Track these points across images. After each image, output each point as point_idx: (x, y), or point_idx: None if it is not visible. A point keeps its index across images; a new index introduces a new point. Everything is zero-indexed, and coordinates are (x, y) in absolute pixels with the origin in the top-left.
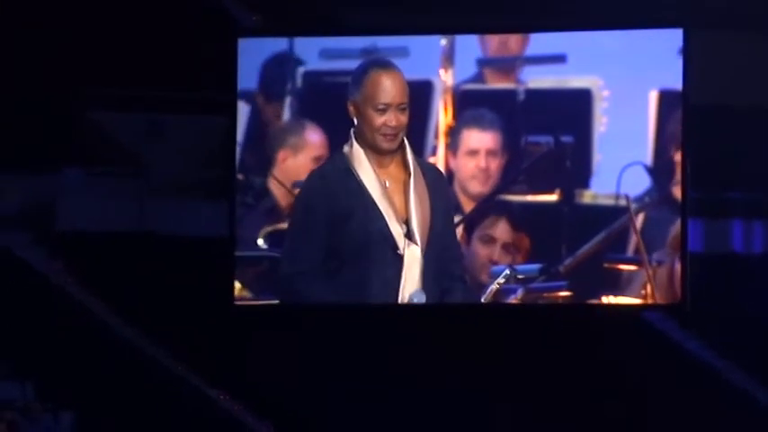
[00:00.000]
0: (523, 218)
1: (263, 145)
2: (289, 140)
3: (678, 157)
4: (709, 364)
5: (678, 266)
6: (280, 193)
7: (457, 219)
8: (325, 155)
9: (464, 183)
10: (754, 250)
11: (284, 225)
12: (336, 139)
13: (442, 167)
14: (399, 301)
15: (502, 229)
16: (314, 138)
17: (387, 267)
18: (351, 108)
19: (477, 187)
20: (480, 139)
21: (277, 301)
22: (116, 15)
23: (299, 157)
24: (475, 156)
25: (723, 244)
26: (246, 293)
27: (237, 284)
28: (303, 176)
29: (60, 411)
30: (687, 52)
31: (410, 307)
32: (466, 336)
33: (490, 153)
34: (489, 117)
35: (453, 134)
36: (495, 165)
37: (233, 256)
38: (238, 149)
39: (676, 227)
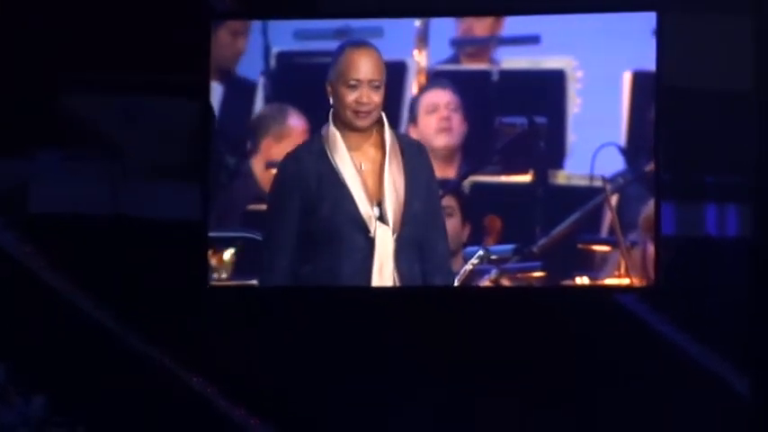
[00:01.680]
0: (494, 199)
1: (240, 128)
2: (271, 129)
3: (652, 138)
4: (683, 348)
5: (651, 248)
6: (265, 177)
7: None
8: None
9: (430, 140)
10: (727, 234)
11: (263, 206)
12: (313, 122)
13: None
14: (373, 284)
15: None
16: (296, 124)
17: (357, 251)
18: (328, 89)
19: (443, 140)
20: (437, 95)
21: (254, 282)
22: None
23: (283, 146)
24: (435, 111)
25: (697, 227)
26: (225, 273)
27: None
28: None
29: (33, 395)
30: (660, 35)
31: (383, 290)
32: (437, 319)
33: (450, 107)
34: (444, 80)
35: (412, 106)
36: (457, 118)
37: (207, 238)
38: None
39: (649, 207)
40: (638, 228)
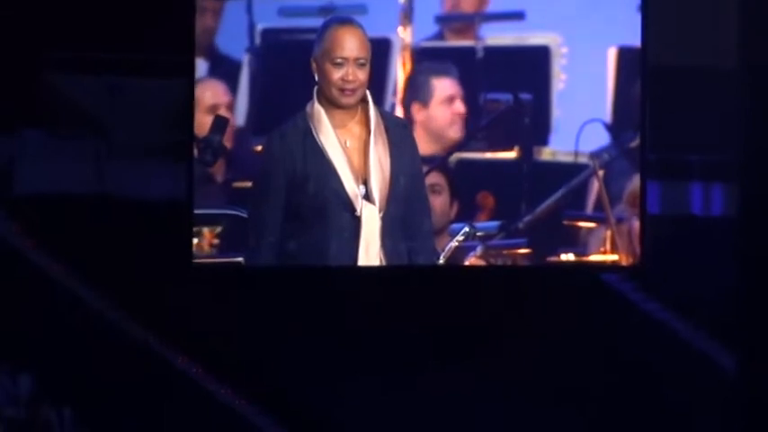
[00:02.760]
0: (480, 176)
1: None
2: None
3: (637, 114)
4: (668, 326)
5: (636, 224)
6: None
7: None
8: (223, 102)
9: (441, 131)
10: (712, 213)
11: (248, 184)
12: (297, 99)
13: None
14: (359, 262)
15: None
16: (210, 90)
17: (344, 230)
18: (313, 65)
19: (456, 133)
20: (453, 87)
21: (239, 259)
22: None
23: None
24: (451, 103)
25: (682, 206)
26: (207, 250)
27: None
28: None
29: (19, 374)
30: (646, 12)
31: (369, 269)
32: (424, 297)
33: (463, 100)
34: (453, 68)
35: (419, 85)
36: (466, 112)
37: (191, 217)
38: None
39: (633, 183)
40: (623, 203)
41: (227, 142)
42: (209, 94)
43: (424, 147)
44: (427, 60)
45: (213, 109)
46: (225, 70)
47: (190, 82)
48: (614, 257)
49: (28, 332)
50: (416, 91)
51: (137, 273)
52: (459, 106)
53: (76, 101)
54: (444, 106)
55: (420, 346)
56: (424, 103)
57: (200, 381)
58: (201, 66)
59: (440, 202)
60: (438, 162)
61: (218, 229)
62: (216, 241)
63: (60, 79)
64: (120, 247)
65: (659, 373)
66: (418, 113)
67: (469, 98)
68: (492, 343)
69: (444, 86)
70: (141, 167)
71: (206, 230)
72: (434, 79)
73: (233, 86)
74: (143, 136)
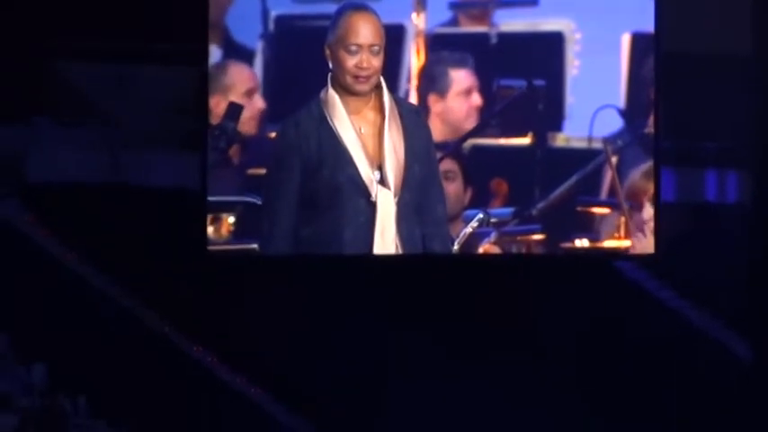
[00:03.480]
0: (494, 162)
1: None
2: (215, 86)
3: (651, 100)
4: (682, 313)
5: (642, 214)
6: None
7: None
8: (255, 86)
9: (458, 123)
10: (727, 200)
11: (262, 171)
12: (311, 85)
13: None
14: (375, 248)
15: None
16: (239, 74)
17: (359, 214)
18: (327, 52)
19: (472, 124)
20: (470, 79)
21: (254, 246)
22: None
23: (231, 97)
24: (468, 95)
25: (696, 193)
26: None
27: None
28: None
29: (34, 363)
30: (659, 2)
31: (385, 257)
32: (439, 285)
33: (479, 92)
34: (470, 58)
35: (437, 76)
36: (482, 103)
37: (205, 204)
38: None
39: (632, 177)
40: (624, 194)
41: (246, 128)
42: (244, 77)
43: (439, 136)
44: (443, 49)
45: (250, 93)
46: (238, 57)
47: (203, 70)
48: (628, 243)
49: (41, 322)
50: (433, 81)
51: (151, 260)
52: (477, 98)
53: (90, 90)
54: (461, 98)
55: (434, 332)
56: (442, 94)
57: (214, 369)
58: (215, 53)
59: (453, 189)
60: (451, 148)
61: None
62: (232, 228)
63: (73, 69)
64: (134, 235)
65: (673, 361)
66: (435, 104)
67: (484, 85)
68: (507, 330)
69: (461, 78)
70: (155, 155)
71: (224, 216)
72: (452, 71)
73: None
74: (156, 124)
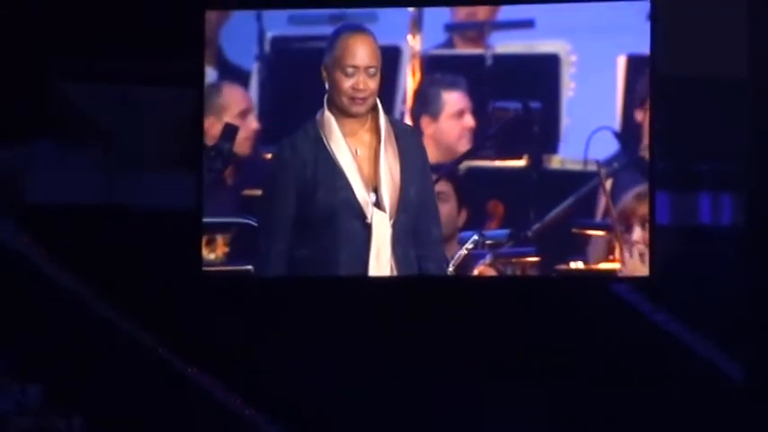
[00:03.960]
0: (489, 184)
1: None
2: (209, 107)
3: (646, 122)
4: (677, 336)
5: (634, 237)
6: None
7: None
8: (249, 107)
9: (451, 145)
10: (721, 222)
11: (258, 192)
12: (307, 107)
13: None
14: (370, 270)
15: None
16: (233, 95)
17: (354, 237)
18: (324, 73)
19: (464, 147)
20: (463, 101)
21: (249, 267)
22: None
23: (226, 118)
24: (461, 117)
25: (691, 216)
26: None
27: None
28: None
29: (29, 383)
30: (655, 22)
31: (380, 279)
32: (433, 307)
33: (472, 113)
34: (463, 80)
35: (430, 98)
36: (475, 125)
37: (201, 225)
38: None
39: (624, 200)
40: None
41: (241, 149)
42: (237, 98)
43: (432, 158)
44: (437, 71)
45: (244, 114)
46: (234, 78)
47: (199, 91)
48: (622, 266)
49: (38, 342)
50: (426, 103)
51: (147, 282)
52: (469, 120)
53: (87, 110)
54: (454, 120)
55: (430, 355)
56: (434, 116)
57: (210, 390)
58: (211, 74)
59: (446, 210)
60: (446, 170)
61: (226, 238)
62: (228, 249)
63: (71, 89)
64: (131, 255)
65: (667, 384)
66: (428, 126)
67: (478, 107)
68: (502, 352)
69: (454, 100)
70: (151, 176)
71: (219, 238)
72: (444, 93)
73: None
74: (153, 145)
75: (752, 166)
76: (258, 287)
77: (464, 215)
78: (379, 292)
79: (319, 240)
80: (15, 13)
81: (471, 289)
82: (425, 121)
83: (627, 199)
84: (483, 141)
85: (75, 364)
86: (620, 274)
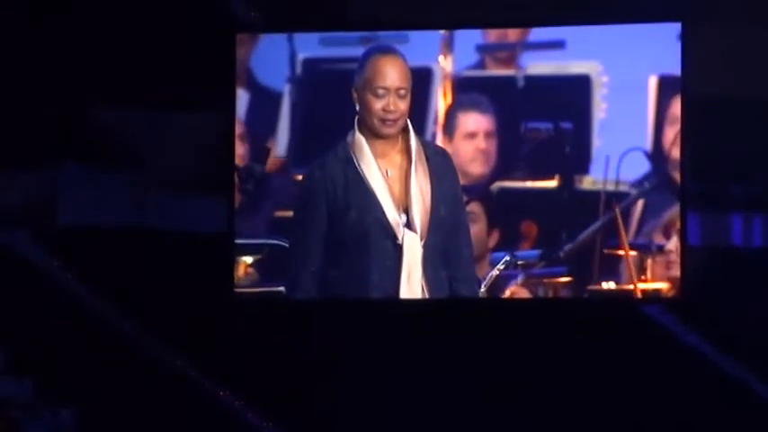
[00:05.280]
0: (520, 204)
1: (266, 135)
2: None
3: (677, 143)
4: (709, 358)
5: (670, 255)
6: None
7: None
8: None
9: (464, 166)
10: (753, 244)
11: (290, 213)
12: (338, 128)
13: None
14: (401, 291)
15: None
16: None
17: (386, 258)
18: (354, 95)
19: (477, 169)
20: (477, 122)
21: (281, 289)
22: (115, 12)
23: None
24: (473, 138)
25: (723, 237)
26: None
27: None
28: None
29: (60, 408)
30: (685, 44)
31: (411, 301)
32: (464, 329)
33: (488, 135)
34: (485, 101)
35: (449, 118)
36: (493, 146)
37: (233, 249)
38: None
39: (673, 213)
40: (658, 233)
41: (271, 169)
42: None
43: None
44: (469, 92)
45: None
46: (266, 101)
47: (231, 113)
48: (655, 286)
49: (69, 366)
50: (447, 124)
51: (179, 305)
52: (481, 142)
53: (117, 134)
54: (466, 141)
55: (463, 381)
56: (450, 136)
57: (241, 413)
58: (243, 96)
59: (475, 231)
60: (477, 191)
61: (254, 259)
62: (251, 270)
63: (101, 113)
64: (163, 278)
65: (699, 405)
66: (446, 147)
67: (510, 128)
68: (533, 374)
69: (468, 121)
70: (182, 200)
71: (242, 259)
72: (460, 113)
73: (274, 117)
74: (183, 169)
75: None
76: (289, 309)
77: (495, 236)
78: (411, 314)
79: (351, 261)
80: (45, 37)
81: (503, 310)
82: (444, 141)
83: (670, 213)
84: (515, 162)
85: (107, 388)
86: (653, 295)
